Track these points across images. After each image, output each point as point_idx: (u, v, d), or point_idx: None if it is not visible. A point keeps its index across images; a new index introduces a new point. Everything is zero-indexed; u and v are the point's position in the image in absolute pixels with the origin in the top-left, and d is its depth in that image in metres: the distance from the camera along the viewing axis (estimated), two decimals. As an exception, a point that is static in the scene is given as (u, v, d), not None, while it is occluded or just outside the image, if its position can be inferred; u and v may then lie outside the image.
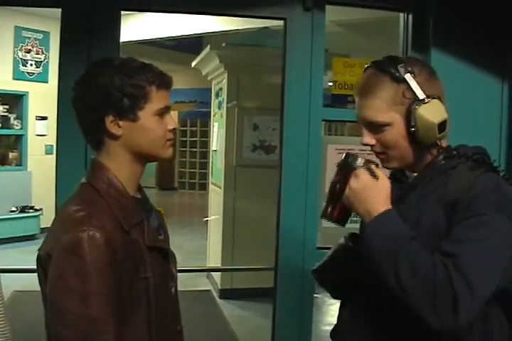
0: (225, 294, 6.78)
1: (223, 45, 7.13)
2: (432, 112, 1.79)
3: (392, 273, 1.64)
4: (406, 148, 1.85)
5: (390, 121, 1.82)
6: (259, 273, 5.74)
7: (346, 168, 1.85)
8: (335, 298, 2.15)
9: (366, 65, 1.92)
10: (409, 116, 1.79)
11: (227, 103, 6.98)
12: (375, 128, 1.84)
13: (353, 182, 1.79)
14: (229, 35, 7.90)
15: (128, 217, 1.73)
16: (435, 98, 1.81)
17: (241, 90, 6.91)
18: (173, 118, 1.84)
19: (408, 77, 1.80)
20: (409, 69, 1.81)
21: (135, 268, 1.72)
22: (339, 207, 1.87)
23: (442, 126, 1.81)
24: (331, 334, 2.14)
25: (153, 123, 1.78)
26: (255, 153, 6.86)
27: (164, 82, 1.80)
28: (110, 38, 3.16)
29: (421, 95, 1.79)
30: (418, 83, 1.80)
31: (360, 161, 1.83)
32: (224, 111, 7.04)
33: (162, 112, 1.80)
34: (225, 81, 7.09)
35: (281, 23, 3.36)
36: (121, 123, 1.76)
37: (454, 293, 1.57)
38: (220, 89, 7.37)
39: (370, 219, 1.73)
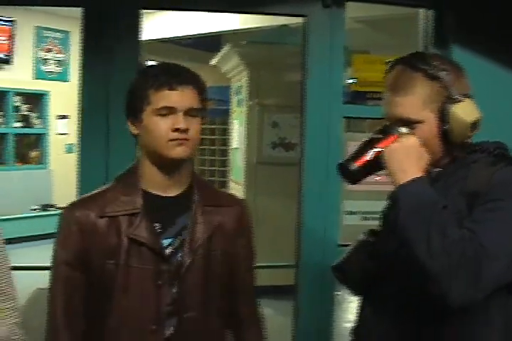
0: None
1: (243, 42, 7.13)
2: (466, 111, 1.78)
3: (423, 239, 1.61)
4: (435, 146, 1.84)
5: (423, 119, 1.81)
6: (279, 271, 5.73)
7: (391, 129, 1.83)
8: (355, 295, 2.15)
9: (389, 62, 1.91)
10: (442, 115, 1.79)
11: (247, 101, 6.97)
12: (406, 125, 1.83)
13: (398, 142, 1.77)
14: (248, 33, 7.88)
15: (112, 207, 1.88)
16: (468, 96, 1.80)
17: (261, 88, 6.91)
18: (179, 118, 1.84)
19: (442, 74, 1.80)
20: (443, 66, 1.80)
21: (107, 252, 1.86)
22: (364, 160, 1.84)
23: (475, 125, 1.81)
24: (351, 331, 2.14)
25: (153, 124, 1.85)
26: (275, 150, 6.85)
27: (162, 83, 1.84)
28: (132, 37, 3.16)
29: (455, 93, 1.79)
30: (450, 81, 1.79)
31: (405, 129, 1.82)
32: (244, 108, 7.04)
33: (162, 113, 1.83)
34: (244, 79, 7.09)
35: (300, 20, 3.35)
36: (136, 124, 1.90)
37: (476, 264, 1.58)
38: (240, 86, 7.37)
39: (405, 179, 1.70)
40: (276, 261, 5.44)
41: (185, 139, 1.84)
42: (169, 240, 1.91)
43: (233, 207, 2.05)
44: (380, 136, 1.85)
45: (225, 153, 11.23)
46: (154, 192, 1.93)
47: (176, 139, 1.83)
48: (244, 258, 2.08)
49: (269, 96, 6.91)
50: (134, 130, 1.93)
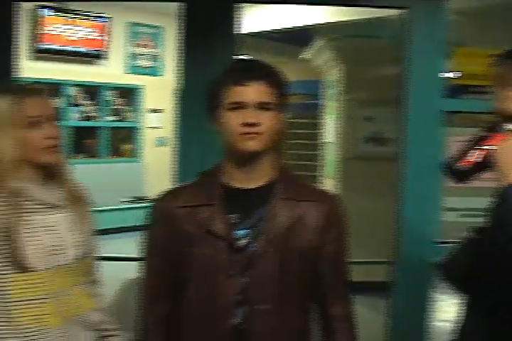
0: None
1: (336, 36, 7.07)
2: None
3: None
4: None
5: None
6: (368, 267, 5.68)
7: (498, 127, 1.78)
8: (458, 292, 2.10)
9: (494, 55, 1.85)
10: None
11: (339, 95, 6.92)
12: None
13: (508, 140, 1.72)
14: (341, 26, 7.81)
15: (191, 199, 1.97)
16: None
17: (354, 81, 6.84)
18: (247, 113, 1.87)
19: None
20: None
21: (185, 242, 1.95)
22: (471, 160, 1.79)
23: None
24: (453, 330, 2.10)
25: (226, 119, 1.89)
26: (368, 145, 6.77)
27: (232, 79, 1.90)
28: (229, 31, 3.17)
29: None
30: None
31: None
32: (337, 103, 6.99)
33: (233, 107, 1.87)
34: (337, 72, 7.03)
35: (396, 12, 3.29)
36: (215, 120, 1.96)
37: None
38: (333, 80, 7.32)
39: None
40: (366, 257, 5.39)
41: (256, 133, 1.87)
42: (245, 231, 1.94)
43: (321, 202, 2.01)
44: (487, 133, 1.80)
45: (314, 147, 11.19)
46: (234, 185, 1.97)
47: (247, 133, 1.86)
48: (332, 255, 2.02)
49: (362, 90, 6.83)
50: (215, 126, 1.98)
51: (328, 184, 7.30)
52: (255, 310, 1.92)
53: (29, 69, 7.36)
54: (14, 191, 1.98)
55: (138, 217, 9.41)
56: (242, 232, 1.93)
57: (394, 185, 3.37)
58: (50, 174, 2.09)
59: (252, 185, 1.97)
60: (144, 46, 11.02)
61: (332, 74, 7.42)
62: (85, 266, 2.15)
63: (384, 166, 6.16)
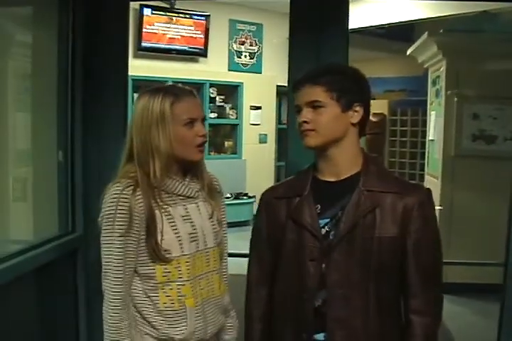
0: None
1: (441, 31, 6.91)
2: None
3: None
4: None
5: None
6: (474, 268, 5.54)
7: None
8: None
9: None
10: None
11: (445, 91, 6.76)
12: None
13: None
14: (446, 21, 7.63)
15: (286, 190, 2.21)
16: None
17: (460, 78, 6.66)
18: (301, 113, 2.10)
19: None
20: None
21: (278, 229, 2.17)
22: None
23: None
24: None
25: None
26: (475, 143, 6.58)
27: (293, 87, 2.16)
28: (339, 27, 3.13)
29: None
30: None
31: None
32: (442, 99, 6.83)
33: (296, 110, 2.14)
34: (443, 68, 6.87)
35: (502, 5, 3.16)
36: None
37: None
38: (438, 76, 7.15)
39: None
40: (471, 258, 5.25)
41: (309, 130, 2.06)
42: (326, 220, 2.09)
43: (404, 194, 2.07)
44: None
45: (416, 144, 11.01)
46: (322, 178, 2.15)
47: (303, 131, 2.07)
48: (413, 248, 2.06)
49: (468, 86, 6.64)
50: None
51: (432, 182, 7.15)
52: (332, 295, 2.05)
53: (132, 67, 7.51)
54: (160, 185, 2.16)
55: (241, 213, 9.61)
56: (324, 221, 2.09)
57: (503, 184, 3.25)
58: (190, 168, 2.27)
59: (338, 178, 2.12)
60: (245, 43, 11.08)
61: (437, 70, 7.26)
62: (219, 253, 2.35)
63: (491, 165, 6.02)
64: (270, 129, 11.40)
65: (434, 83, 7.43)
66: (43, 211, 2.05)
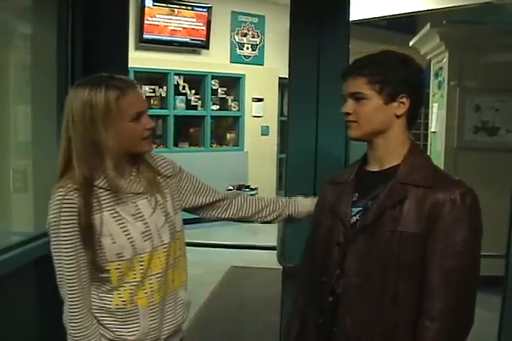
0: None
1: (444, 22, 6.88)
2: None
3: None
4: None
5: None
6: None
7: None
8: None
9: None
10: None
11: (447, 83, 6.74)
12: None
13: None
14: (448, 13, 7.61)
15: (337, 177, 2.26)
16: None
17: (463, 69, 6.64)
18: (346, 104, 2.08)
19: None
20: None
21: (325, 213, 2.21)
22: None
23: None
24: None
25: None
26: (477, 134, 6.56)
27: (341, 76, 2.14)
28: (340, 19, 3.11)
29: None
30: None
31: None
32: (444, 91, 6.81)
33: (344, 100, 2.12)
34: (445, 60, 6.84)
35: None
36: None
37: None
38: (440, 68, 7.13)
39: None
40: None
41: (351, 121, 2.07)
42: (359, 209, 2.08)
43: (439, 189, 1.97)
44: None
45: (419, 136, 10.98)
46: (367, 167, 2.16)
47: (346, 121, 2.09)
48: (436, 247, 1.95)
49: (471, 78, 6.62)
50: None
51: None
52: (348, 282, 2.04)
53: (134, 59, 7.51)
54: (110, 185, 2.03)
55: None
56: (356, 209, 2.09)
57: (505, 176, 3.24)
58: (136, 161, 2.14)
59: (380, 168, 2.11)
60: (247, 35, 11.06)
61: (439, 61, 7.24)
62: (176, 245, 2.22)
63: (493, 157, 6.01)
64: (272, 121, 11.40)
65: (436, 75, 7.41)
66: (43, 203, 2.03)
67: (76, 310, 2.01)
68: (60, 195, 1.98)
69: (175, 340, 2.28)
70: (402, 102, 2.03)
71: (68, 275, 1.99)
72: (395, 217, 1.97)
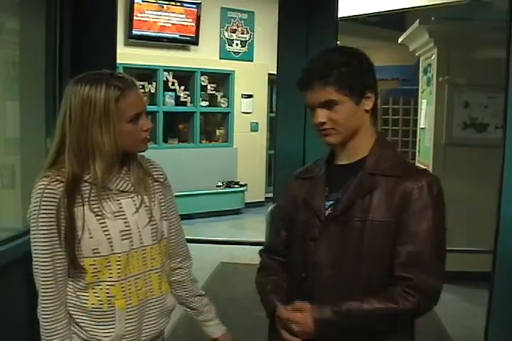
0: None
1: (432, 19, 6.90)
2: None
3: None
4: None
5: None
6: (465, 256, 5.56)
7: None
8: None
9: None
10: None
11: (436, 79, 6.76)
12: None
13: None
14: (437, 9, 7.63)
15: (304, 173, 2.26)
16: None
17: (451, 66, 6.67)
18: (315, 115, 2.05)
19: None
20: None
21: (294, 208, 2.21)
22: None
23: None
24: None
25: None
26: (466, 131, 6.59)
27: (299, 84, 2.09)
28: (328, 14, 3.12)
29: None
30: None
31: None
32: (433, 87, 6.83)
33: (310, 109, 2.10)
34: (434, 56, 6.87)
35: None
36: None
37: None
38: (429, 65, 7.16)
39: None
40: (465, 246, 5.27)
41: (328, 129, 2.04)
42: (331, 202, 2.10)
43: (407, 178, 2.01)
44: None
45: (408, 133, 11.03)
46: (336, 161, 2.16)
47: (322, 130, 2.05)
48: (404, 235, 1.98)
49: (460, 74, 6.65)
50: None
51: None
52: (321, 275, 2.07)
53: (123, 55, 7.51)
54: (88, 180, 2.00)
55: (232, 202, 9.59)
56: (329, 203, 2.10)
57: (493, 172, 3.25)
58: (127, 160, 2.11)
59: (349, 161, 2.12)
60: (236, 31, 11.06)
61: (428, 58, 7.26)
62: (159, 250, 2.17)
63: (482, 153, 6.03)
64: (262, 117, 11.41)
65: (425, 71, 7.43)
66: (30, 198, 2.03)
67: (48, 301, 2.00)
68: (42, 184, 1.96)
69: None
70: (369, 97, 2.07)
71: (42, 266, 1.98)
72: (364, 207, 2.01)
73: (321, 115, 2.02)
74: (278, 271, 2.27)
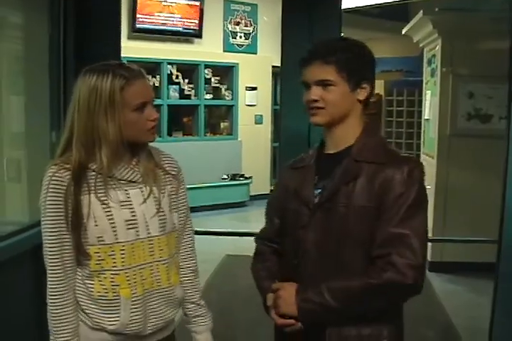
0: (435, 267, 6.61)
1: (436, 10, 6.87)
2: None
3: None
4: None
5: None
6: (469, 247, 5.57)
7: None
8: None
9: None
10: None
11: (440, 70, 6.75)
12: None
13: None
14: (441, 0, 7.60)
15: (297, 162, 2.28)
16: None
17: (455, 57, 6.65)
18: (310, 91, 2.09)
19: None
20: None
21: (287, 196, 2.23)
22: None
23: None
24: None
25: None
26: (470, 122, 6.58)
27: (301, 61, 2.14)
28: (332, 6, 3.12)
29: None
30: None
31: None
32: (437, 78, 6.82)
33: (304, 86, 2.13)
34: (438, 47, 6.85)
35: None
36: None
37: None
38: (433, 56, 7.14)
39: None
40: (470, 236, 5.27)
41: (318, 107, 2.08)
42: (319, 190, 2.14)
43: (390, 165, 2.05)
44: None
45: (412, 125, 11.01)
46: (325, 151, 2.20)
47: (312, 108, 2.09)
48: (385, 215, 2.02)
49: (464, 65, 6.64)
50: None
51: (427, 161, 7.16)
52: (308, 260, 2.12)
53: (127, 48, 7.50)
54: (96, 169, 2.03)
55: (236, 194, 9.60)
56: (317, 191, 2.14)
57: (498, 163, 3.25)
58: (138, 150, 2.14)
59: (336, 150, 2.16)
60: (240, 24, 11.05)
61: (432, 49, 7.24)
62: (168, 242, 2.18)
63: (486, 144, 6.03)
64: (266, 110, 11.40)
65: (429, 62, 7.42)
66: (37, 192, 2.04)
67: (55, 285, 2.03)
68: (51, 172, 2.00)
69: (165, 333, 2.26)
70: (364, 88, 2.11)
71: (50, 251, 2.02)
72: (348, 193, 2.05)
73: (315, 93, 2.07)
74: (270, 256, 2.32)
